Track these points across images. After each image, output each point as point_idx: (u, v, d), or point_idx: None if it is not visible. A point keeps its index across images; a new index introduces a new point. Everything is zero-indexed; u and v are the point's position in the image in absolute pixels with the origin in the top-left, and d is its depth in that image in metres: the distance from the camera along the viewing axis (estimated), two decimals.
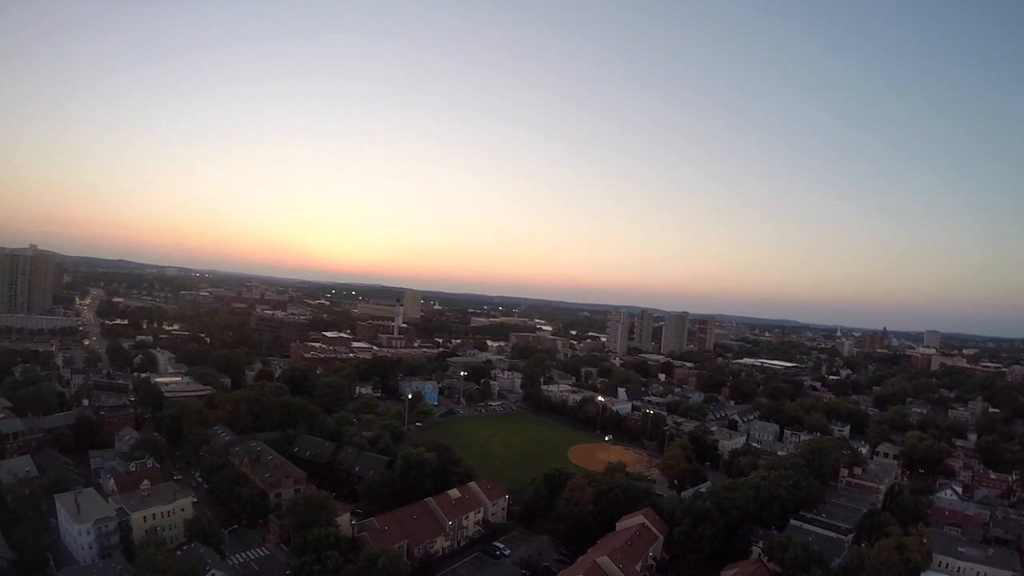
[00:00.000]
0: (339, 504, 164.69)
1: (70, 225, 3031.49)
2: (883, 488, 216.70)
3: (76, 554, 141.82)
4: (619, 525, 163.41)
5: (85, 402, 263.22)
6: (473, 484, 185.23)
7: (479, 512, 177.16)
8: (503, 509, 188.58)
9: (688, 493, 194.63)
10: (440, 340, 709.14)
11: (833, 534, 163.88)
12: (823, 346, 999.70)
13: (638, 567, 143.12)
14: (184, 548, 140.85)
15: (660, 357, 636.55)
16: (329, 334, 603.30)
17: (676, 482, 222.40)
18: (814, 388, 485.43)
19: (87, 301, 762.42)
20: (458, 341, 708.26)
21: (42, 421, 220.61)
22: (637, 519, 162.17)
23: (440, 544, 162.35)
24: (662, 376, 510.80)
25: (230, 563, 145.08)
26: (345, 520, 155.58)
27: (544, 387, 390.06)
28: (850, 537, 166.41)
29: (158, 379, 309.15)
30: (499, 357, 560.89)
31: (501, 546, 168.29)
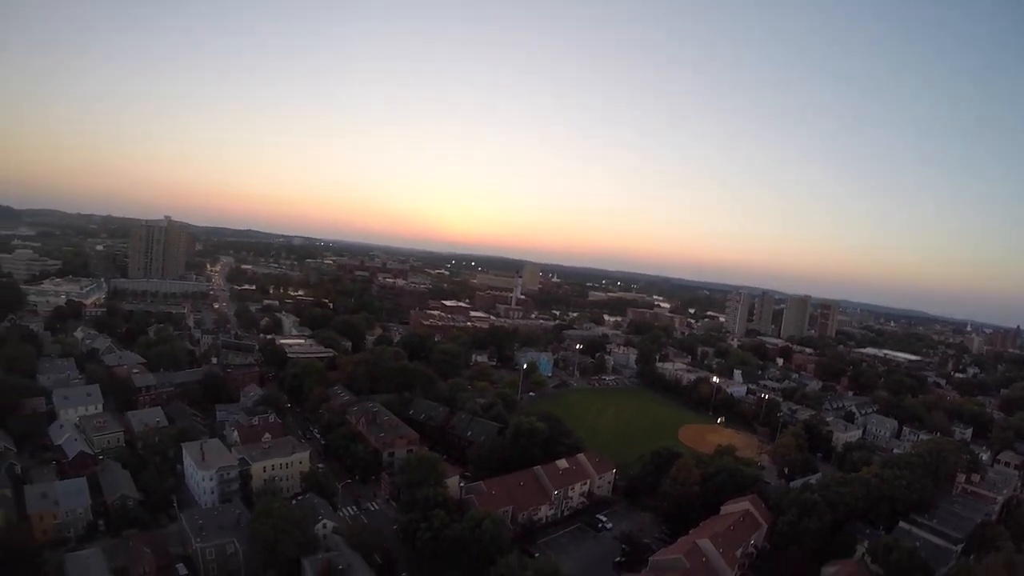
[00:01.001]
0: (449, 466, 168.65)
1: (203, 197, 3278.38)
2: (1000, 499, 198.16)
3: (198, 497, 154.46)
4: (724, 509, 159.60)
5: (214, 360, 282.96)
6: (581, 456, 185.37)
7: (585, 484, 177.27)
8: (609, 483, 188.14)
9: (797, 483, 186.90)
10: (557, 312, 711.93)
11: (942, 542, 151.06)
12: (951, 341, 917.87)
13: (738, 553, 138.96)
14: (299, 498, 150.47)
15: (779, 341, 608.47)
16: (448, 303, 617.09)
17: (786, 471, 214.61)
18: (938, 385, 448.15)
19: (217, 268, 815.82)
20: (575, 314, 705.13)
21: (173, 376, 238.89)
22: (742, 505, 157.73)
23: (544, 512, 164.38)
24: (780, 361, 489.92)
25: (341, 514, 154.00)
26: (454, 482, 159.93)
27: (659, 364, 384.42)
28: (959, 547, 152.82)
29: (282, 341, 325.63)
30: (615, 332, 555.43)
31: (604, 519, 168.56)
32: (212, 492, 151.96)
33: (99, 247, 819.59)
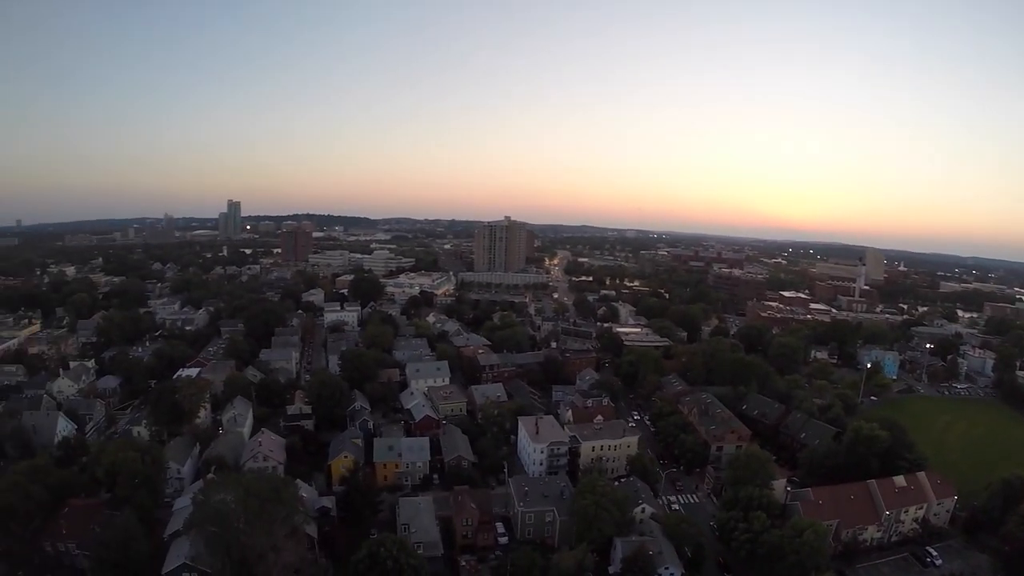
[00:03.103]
0: (777, 468, 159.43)
1: (540, 197, 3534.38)
2: None
3: (527, 467, 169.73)
4: None
5: (553, 344, 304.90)
6: (921, 475, 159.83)
7: (920, 508, 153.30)
8: (947, 511, 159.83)
9: None
10: (904, 306, 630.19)
11: None
12: None
13: None
14: (622, 480, 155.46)
15: None
16: (786, 294, 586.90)
17: None
18: None
19: (555, 261, 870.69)
20: (924, 308, 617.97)
21: (514, 357, 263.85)
22: None
23: (870, 533, 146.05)
24: None
25: (660, 501, 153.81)
26: (780, 485, 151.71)
27: (1020, 373, 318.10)
28: None
29: (619, 329, 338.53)
30: (970, 331, 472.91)
31: (934, 553, 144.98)
32: (541, 464, 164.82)
33: (447, 246, 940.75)
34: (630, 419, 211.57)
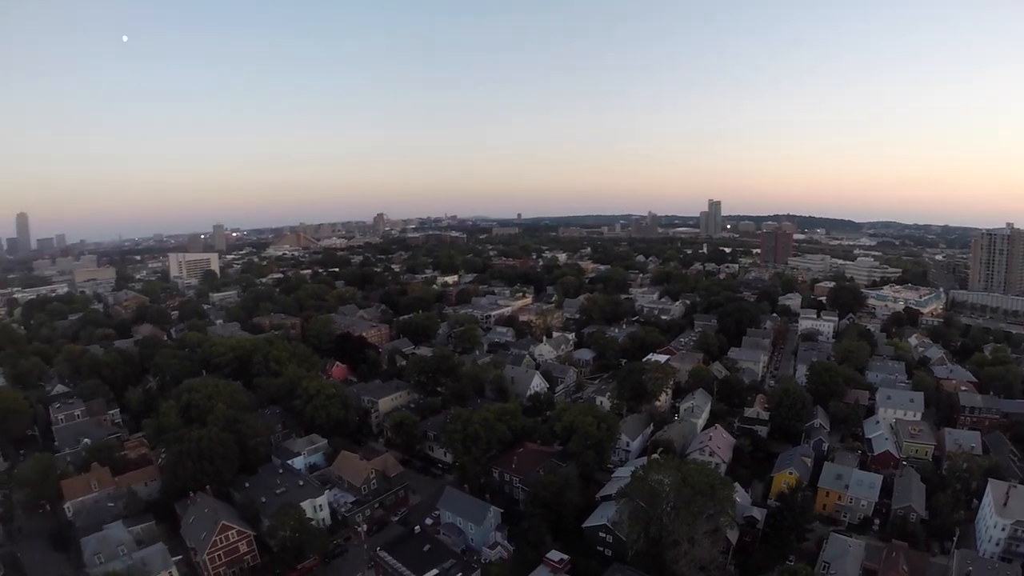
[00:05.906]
0: None
1: None
2: None
3: (979, 542, 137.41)
4: None
5: None
6: None
7: None
8: None
9: None
10: None
11: None
12: None
13: None
14: None
15: None
16: None
17: None
18: None
19: None
20: None
21: (1001, 403, 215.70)
22: None
23: None
24: None
25: None
26: None
27: None
28: None
29: None
30: None
31: None
32: (997, 543, 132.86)
33: (938, 257, 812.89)
34: None
